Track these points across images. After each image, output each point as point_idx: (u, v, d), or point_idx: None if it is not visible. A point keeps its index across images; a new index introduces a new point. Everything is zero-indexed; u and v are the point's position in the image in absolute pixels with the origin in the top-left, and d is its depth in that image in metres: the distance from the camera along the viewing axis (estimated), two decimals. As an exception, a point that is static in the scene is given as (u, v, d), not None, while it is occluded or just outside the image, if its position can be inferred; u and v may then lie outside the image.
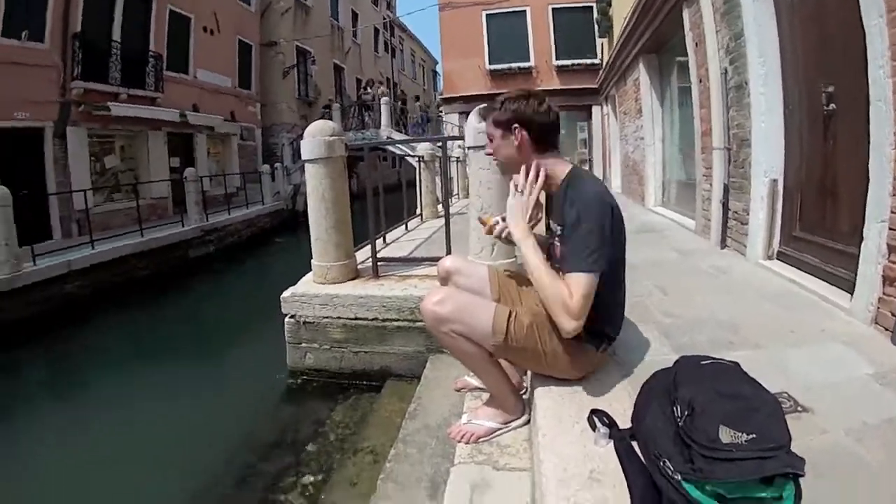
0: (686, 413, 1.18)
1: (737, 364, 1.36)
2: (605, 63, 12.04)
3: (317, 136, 3.51)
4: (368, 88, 19.93)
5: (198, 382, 4.92)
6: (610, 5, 10.54)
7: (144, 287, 8.94)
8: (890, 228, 2.17)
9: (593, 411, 1.54)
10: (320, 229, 3.64)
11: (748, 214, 3.76)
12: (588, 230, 1.51)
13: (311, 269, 3.80)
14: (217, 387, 4.74)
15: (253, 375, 4.66)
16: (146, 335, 7.06)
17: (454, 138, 4.96)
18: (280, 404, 3.73)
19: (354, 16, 26.73)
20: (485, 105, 1.82)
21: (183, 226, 10.90)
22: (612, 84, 11.10)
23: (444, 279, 2.08)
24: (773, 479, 1.02)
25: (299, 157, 15.78)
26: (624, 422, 1.46)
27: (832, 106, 2.86)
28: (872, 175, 2.31)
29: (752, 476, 1.02)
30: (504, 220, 1.79)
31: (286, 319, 3.65)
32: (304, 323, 3.60)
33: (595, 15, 12.62)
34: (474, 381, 2.27)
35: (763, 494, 1.02)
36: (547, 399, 1.70)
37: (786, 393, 1.64)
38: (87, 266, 8.18)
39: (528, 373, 2.06)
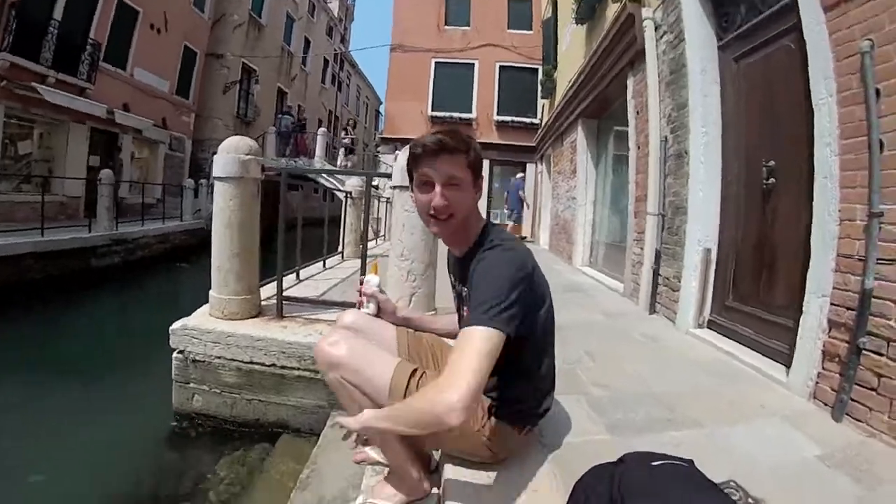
0: None
1: (691, 463, 1.17)
2: (544, 123, 12.49)
3: (230, 153, 3.21)
4: (349, 130, 19.45)
5: (71, 410, 4.27)
6: (556, 68, 10.99)
7: (35, 292, 7.97)
8: (832, 304, 2.13)
9: None
10: (222, 257, 3.29)
11: (679, 281, 3.75)
12: (492, 283, 1.24)
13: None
14: (92, 419, 4.08)
15: (135, 412, 4.07)
16: (25, 344, 6.19)
17: (382, 175, 4.78)
18: (160, 449, 3.27)
19: (307, 43, 26.60)
20: (444, 136, 1.34)
21: (90, 231, 9.89)
22: (549, 144, 11.46)
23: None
24: None
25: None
26: None
27: (772, 180, 2.90)
28: (814, 250, 2.29)
29: None
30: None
31: (174, 354, 3.24)
32: (194, 361, 3.21)
33: (540, 76, 13.14)
34: (374, 454, 1.78)
35: None
36: (459, 489, 1.42)
37: (733, 482, 1.45)
38: None
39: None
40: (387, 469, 1.67)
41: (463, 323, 1.33)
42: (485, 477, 1.46)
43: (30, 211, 10.04)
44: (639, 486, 1.09)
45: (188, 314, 3.36)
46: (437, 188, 1.33)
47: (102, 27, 12.94)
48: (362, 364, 1.40)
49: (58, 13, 11.40)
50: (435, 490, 1.58)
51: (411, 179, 1.42)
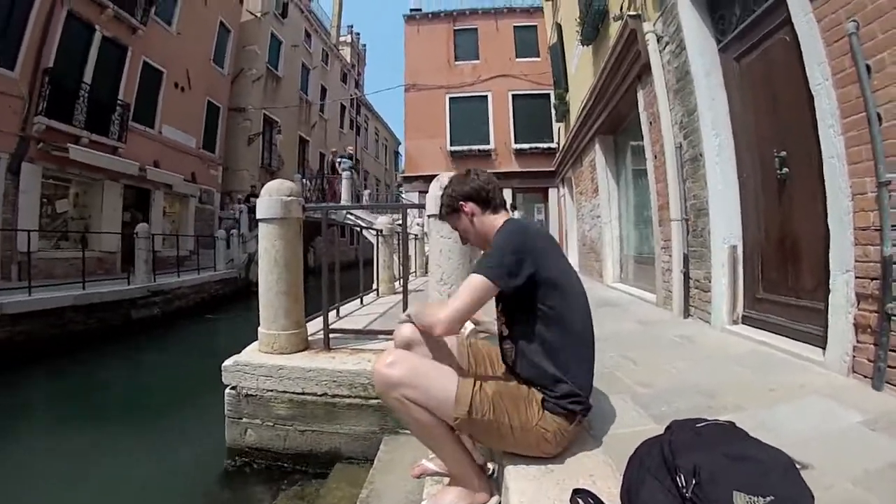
0: (693, 482, 1.05)
1: (732, 423, 1.26)
2: (561, 146, 12.64)
3: (273, 195, 3.37)
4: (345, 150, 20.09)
5: (125, 456, 4.31)
6: (567, 91, 11.22)
7: (79, 344, 8.25)
8: (856, 277, 2.17)
9: (576, 491, 1.35)
10: (270, 294, 3.41)
11: (710, 282, 3.78)
12: (491, 251, 1.59)
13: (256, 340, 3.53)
14: (146, 462, 4.15)
15: (188, 451, 4.15)
16: (74, 396, 6.34)
17: (415, 206, 4.95)
18: (215, 489, 3.29)
19: (323, 91, 27.65)
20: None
21: (129, 283, 10.27)
22: (569, 166, 11.58)
23: (403, 349, 1.86)
24: None
25: (257, 225, 15.66)
26: (611, 501, 1.29)
27: (785, 169, 2.96)
28: (832, 228, 2.34)
29: None
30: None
31: (227, 391, 3.31)
32: (246, 395, 3.27)
33: (553, 101, 13.39)
34: (433, 466, 1.98)
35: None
36: (521, 480, 1.49)
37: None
38: (19, 312, 7.53)
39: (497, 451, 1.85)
40: (447, 479, 1.75)
41: None
42: (544, 470, 1.52)
43: (68, 267, 10.48)
44: (687, 443, 1.18)
45: (226, 357, 3.44)
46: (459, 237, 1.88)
47: (130, 88, 13.63)
48: (423, 381, 1.50)
49: (87, 76, 12.09)
50: (495, 497, 1.64)
51: None
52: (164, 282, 11.33)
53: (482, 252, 1.81)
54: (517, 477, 1.50)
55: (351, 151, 19.45)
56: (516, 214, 16.76)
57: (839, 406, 1.89)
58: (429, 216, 3.42)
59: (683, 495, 1.05)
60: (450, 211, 1.80)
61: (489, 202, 1.74)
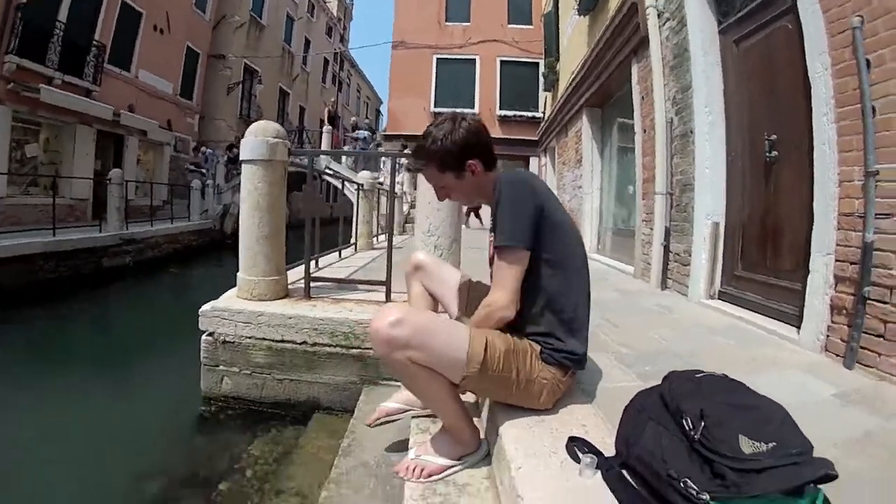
0: (702, 425, 1.08)
1: (727, 376, 1.31)
2: (547, 116, 12.60)
3: (259, 136, 3.24)
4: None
5: (98, 403, 4.30)
6: (558, 60, 11.11)
7: (50, 292, 8.08)
8: (836, 260, 2.29)
9: (571, 439, 1.38)
10: (251, 239, 3.32)
11: (690, 256, 3.90)
12: (505, 208, 1.48)
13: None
14: (119, 410, 4.12)
15: (161, 399, 4.14)
16: (45, 346, 6.26)
17: (403, 155, 4.89)
18: (191, 434, 3.27)
19: (307, 43, 26.79)
20: (409, 159, 1.66)
21: (101, 231, 10.04)
22: (553, 136, 11.58)
23: (411, 273, 1.91)
24: (804, 489, 0.95)
25: (233, 175, 15.49)
26: (605, 450, 1.34)
27: (774, 152, 3.05)
28: (817, 211, 2.45)
29: (788, 485, 0.94)
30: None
31: (203, 337, 3.23)
32: (224, 342, 3.20)
33: (542, 69, 13.28)
34: (393, 404, 1.96)
35: (795, 509, 0.94)
36: (515, 429, 1.52)
37: None
38: None
39: (483, 402, 1.89)
40: (434, 428, 1.76)
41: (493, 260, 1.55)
42: (537, 421, 1.56)
43: (38, 213, 10.17)
44: (689, 391, 1.22)
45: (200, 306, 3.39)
46: (435, 191, 1.68)
47: (107, 29, 13.07)
48: (431, 341, 1.41)
49: (63, 15, 11.52)
50: (484, 445, 1.67)
51: None
52: (137, 230, 11.11)
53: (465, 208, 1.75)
54: (512, 426, 1.53)
55: (369, 122, 19.02)
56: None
57: (814, 379, 2.01)
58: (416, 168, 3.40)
59: (692, 437, 1.08)
60: (450, 167, 1.57)
61: (492, 156, 1.62)
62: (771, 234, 3.12)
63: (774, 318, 2.89)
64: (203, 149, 17.20)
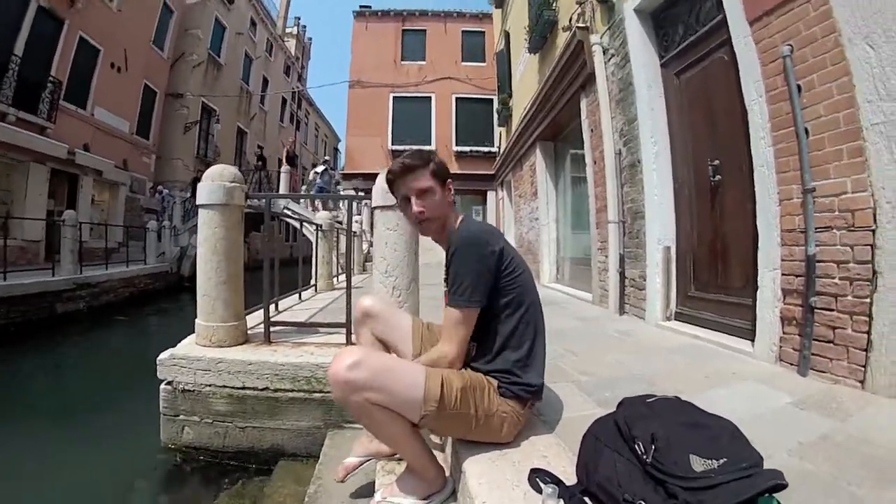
0: (652, 448, 1.12)
1: (678, 397, 1.36)
2: (502, 150, 12.92)
3: (216, 180, 3.21)
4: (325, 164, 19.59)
5: (54, 456, 3.98)
6: (511, 97, 11.48)
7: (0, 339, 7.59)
8: (782, 274, 2.40)
9: (533, 471, 1.39)
10: (209, 284, 3.24)
11: (645, 280, 4.01)
12: (456, 268, 1.52)
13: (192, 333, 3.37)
14: (77, 464, 3.83)
15: (120, 452, 3.85)
16: None
17: (361, 197, 4.88)
18: (153, 489, 3.11)
19: (265, 82, 26.85)
20: (405, 159, 1.66)
21: (53, 275, 9.52)
22: (509, 170, 11.86)
23: (360, 322, 1.88)
24: (756, 500, 0.98)
25: (190, 216, 15.06)
26: (567, 478, 1.35)
27: (718, 177, 3.21)
28: (761, 230, 2.57)
29: (744, 496, 0.98)
30: None
31: (162, 386, 3.12)
32: (183, 391, 3.10)
33: (496, 105, 13.67)
34: (356, 459, 1.94)
35: (748, 519, 0.97)
36: (478, 464, 1.51)
37: None
38: None
39: (447, 439, 1.86)
40: (399, 469, 1.73)
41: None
42: (499, 455, 1.55)
43: None
44: (641, 415, 1.26)
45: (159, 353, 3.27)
46: (413, 199, 1.62)
47: (63, 64, 12.77)
48: (388, 382, 1.43)
49: (19, 49, 11.22)
50: (450, 482, 1.65)
51: (397, 201, 1.73)
52: (92, 274, 10.62)
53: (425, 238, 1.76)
54: (475, 462, 1.52)
55: (328, 159, 18.96)
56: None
57: (770, 389, 2.07)
58: (374, 208, 3.41)
59: (644, 461, 1.12)
60: (438, 176, 1.63)
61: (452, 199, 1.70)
62: (720, 254, 3.24)
63: (729, 334, 2.98)
64: (160, 188, 16.75)
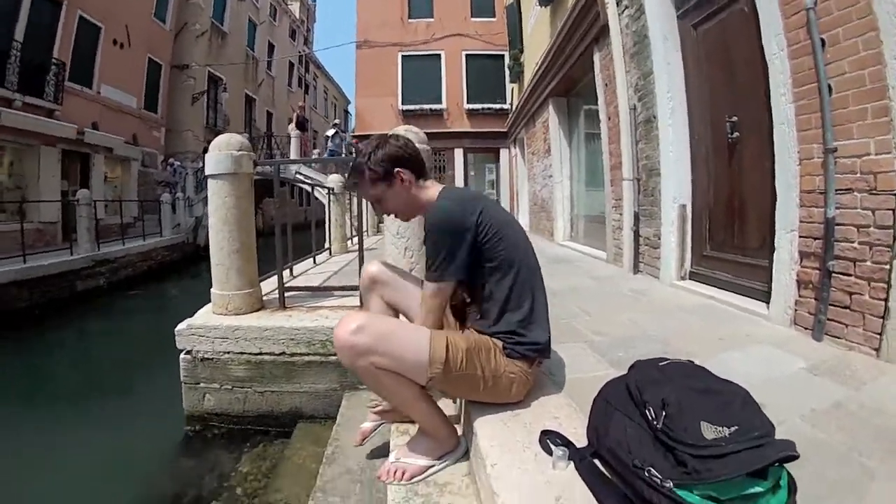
0: (663, 414, 1.11)
1: (692, 361, 1.34)
2: (514, 107, 12.65)
3: (223, 150, 3.20)
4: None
5: (80, 430, 4.18)
6: (522, 52, 11.16)
7: (24, 320, 7.85)
8: (800, 236, 2.35)
9: (544, 432, 1.40)
10: (222, 254, 3.29)
11: (659, 239, 3.96)
12: (429, 244, 1.54)
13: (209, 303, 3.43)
14: (103, 435, 4.00)
15: (145, 421, 4.05)
16: (23, 375, 6.08)
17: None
18: (178, 455, 3.23)
19: (270, 47, 26.41)
20: (347, 178, 1.80)
21: (72, 254, 9.73)
22: (522, 126, 11.64)
23: (368, 288, 1.87)
24: (766, 470, 0.97)
25: (203, 187, 15.12)
26: (578, 440, 1.35)
27: (736, 134, 3.11)
28: (779, 190, 2.50)
29: (750, 468, 0.96)
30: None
31: (182, 356, 3.21)
32: (202, 359, 3.19)
33: (507, 61, 13.30)
34: (370, 424, 2.00)
35: (758, 489, 0.96)
36: (489, 425, 1.53)
37: None
38: None
39: (459, 401, 1.89)
40: (413, 429, 1.76)
41: None
42: (510, 416, 1.57)
43: (8, 241, 9.71)
44: (652, 380, 1.24)
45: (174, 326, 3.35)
46: (374, 206, 1.72)
47: (65, 46, 12.71)
48: (392, 345, 1.44)
49: (19, 34, 11.18)
50: (462, 443, 1.69)
51: None
52: (109, 250, 10.84)
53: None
54: (486, 423, 1.54)
55: (338, 122, 18.70)
56: (472, 174, 16.83)
57: (784, 353, 2.06)
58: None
59: (654, 426, 1.11)
60: (379, 177, 1.61)
61: (423, 170, 1.67)
62: (737, 214, 3.18)
63: (744, 296, 2.95)
64: (171, 160, 16.82)
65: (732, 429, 1.02)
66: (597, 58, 5.35)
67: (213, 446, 3.15)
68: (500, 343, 1.57)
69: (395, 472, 1.61)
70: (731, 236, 3.25)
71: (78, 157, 13.63)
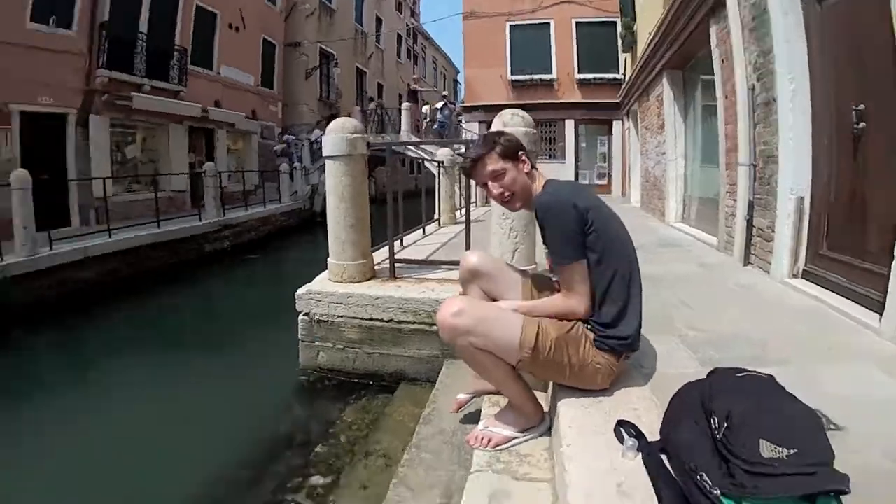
0: (724, 425, 1.14)
1: (772, 377, 1.33)
2: (627, 78, 12.01)
3: (339, 133, 3.51)
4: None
5: (207, 377, 4.88)
6: (635, 20, 10.51)
7: (158, 278, 8.99)
8: (923, 248, 2.13)
9: (620, 422, 1.48)
10: (338, 227, 3.63)
11: (773, 232, 3.70)
12: (550, 232, 1.65)
13: (325, 269, 3.79)
14: (227, 382, 4.69)
15: (264, 372, 4.65)
16: (157, 327, 7.06)
17: (475, 143, 4.92)
18: (290, 402, 3.72)
19: (378, 21, 27.14)
20: (472, 151, 1.81)
21: (200, 220, 10.98)
22: (635, 99, 11.06)
23: (467, 280, 2.00)
24: (816, 496, 0.98)
25: (318, 157, 16.19)
26: (652, 434, 1.42)
27: (862, 124, 2.81)
28: (906, 193, 2.26)
29: (797, 492, 0.98)
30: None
31: (300, 317, 3.63)
32: (318, 321, 3.58)
33: (619, 30, 12.59)
34: (465, 395, 2.22)
35: (804, 513, 0.98)
36: (571, 408, 1.65)
37: (818, 411, 1.58)
38: (103, 254, 8.27)
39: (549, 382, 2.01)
40: (503, 402, 1.93)
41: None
42: (593, 402, 1.68)
43: (143, 208, 11.09)
44: (725, 389, 1.28)
45: (307, 282, 3.74)
46: (489, 184, 1.75)
47: (185, 33, 13.97)
48: (489, 328, 1.61)
49: (143, 26, 12.43)
50: (546, 420, 1.84)
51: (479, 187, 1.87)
52: (233, 216, 12.05)
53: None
54: (568, 405, 1.67)
55: (446, 94, 19.09)
56: (583, 146, 16.26)
57: (886, 376, 1.91)
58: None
59: (715, 436, 1.16)
60: (507, 154, 1.71)
61: (533, 165, 1.78)
62: (858, 213, 2.89)
63: (857, 303, 2.71)
64: (286, 136, 18.11)
65: (792, 451, 1.02)
66: (713, 30, 4.98)
67: (323, 397, 3.54)
68: (591, 335, 1.67)
69: (482, 439, 1.80)
70: (849, 236, 2.97)
71: (203, 132, 15.11)
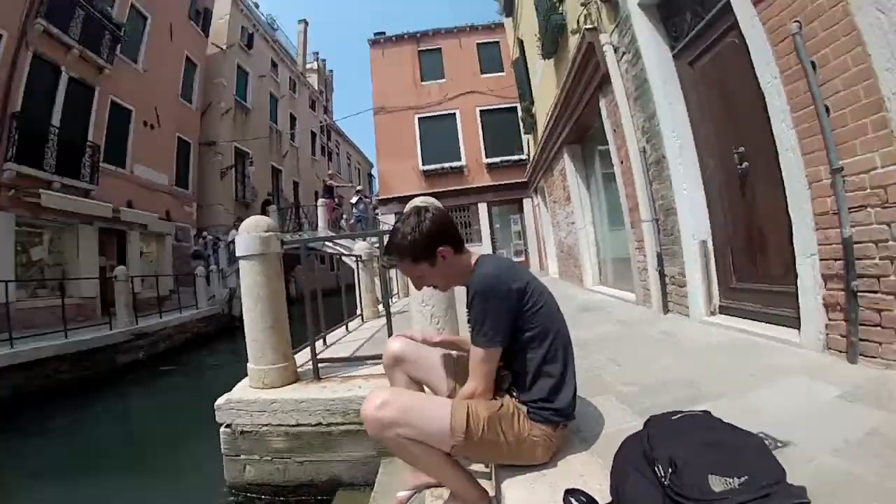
0: (669, 471, 1.12)
1: (707, 412, 1.35)
2: (532, 157, 12.88)
3: (252, 232, 3.39)
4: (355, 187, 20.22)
5: (127, 500, 4.29)
6: (533, 103, 11.46)
7: (67, 393, 8.10)
8: (820, 259, 2.30)
9: (568, 492, 1.39)
10: (256, 330, 3.43)
11: (684, 277, 3.90)
12: (477, 310, 1.56)
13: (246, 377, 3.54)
14: None
15: (186, 496, 4.13)
16: (66, 448, 6.20)
17: (386, 232, 4.98)
18: None
19: (292, 119, 27.70)
20: (384, 257, 1.83)
21: (111, 328, 10.09)
22: (541, 176, 11.80)
23: (391, 366, 1.93)
24: None
25: (235, 259, 15.51)
26: (602, 496, 1.35)
27: (745, 164, 3.11)
28: (794, 215, 2.48)
29: None
30: None
31: (222, 429, 3.31)
32: (242, 432, 3.28)
33: (520, 113, 13.64)
34: (406, 493, 2.03)
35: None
36: (516, 488, 1.55)
37: (762, 433, 1.58)
38: (3, 367, 7.37)
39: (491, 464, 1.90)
40: (446, 493, 1.77)
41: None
42: (537, 476, 1.58)
43: (49, 315, 10.11)
44: (664, 435, 1.26)
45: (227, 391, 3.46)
46: (413, 282, 1.76)
47: (99, 129, 13.49)
48: (415, 417, 1.52)
49: (56, 119, 11.93)
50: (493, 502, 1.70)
51: None
52: (147, 324, 11.19)
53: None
54: (512, 484, 1.56)
55: (360, 187, 19.42)
56: (497, 226, 16.99)
57: (817, 383, 1.97)
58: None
59: (663, 484, 1.12)
60: (421, 258, 1.62)
61: (460, 242, 1.68)
62: (757, 243, 3.13)
63: (776, 324, 2.86)
64: (204, 234, 17.51)
65: (742, 479, 1.03)
66: (603, 104, 5.48)
67: (256, 517, 3.16)
68: (524, 408, 1.61)
69: None
70: (754, 266, 3.19)
71: (114, 233, 14.24)
